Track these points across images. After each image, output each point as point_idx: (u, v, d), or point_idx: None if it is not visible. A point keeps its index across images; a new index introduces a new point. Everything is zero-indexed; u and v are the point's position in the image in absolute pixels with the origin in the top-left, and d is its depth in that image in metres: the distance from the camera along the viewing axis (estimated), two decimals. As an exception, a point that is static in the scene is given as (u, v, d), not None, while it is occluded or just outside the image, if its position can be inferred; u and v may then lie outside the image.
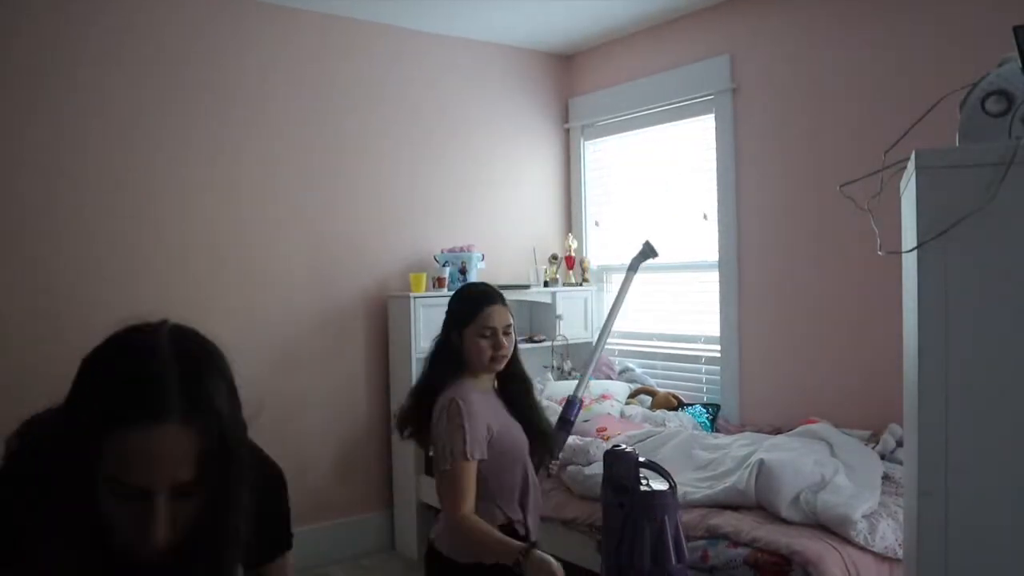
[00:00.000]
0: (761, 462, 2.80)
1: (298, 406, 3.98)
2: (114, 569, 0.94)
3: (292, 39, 3.98)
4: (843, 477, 2.76)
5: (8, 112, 3.28)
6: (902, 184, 1.59)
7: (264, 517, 1.08)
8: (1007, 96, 1.27)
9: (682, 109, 4.30)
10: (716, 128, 4.08)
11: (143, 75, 3.58)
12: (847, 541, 2.51)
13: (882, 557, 2.51)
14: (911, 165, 1.34)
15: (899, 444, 3.11)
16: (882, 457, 3.07)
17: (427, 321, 4.05)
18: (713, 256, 4.12)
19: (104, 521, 0.91)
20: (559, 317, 4.58)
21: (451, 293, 4.10)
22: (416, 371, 4.02)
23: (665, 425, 3.71)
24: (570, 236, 4.82)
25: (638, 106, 4.50)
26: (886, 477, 2.89)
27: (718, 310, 4.10)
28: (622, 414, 3.94)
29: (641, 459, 2.04)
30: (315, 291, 4.08)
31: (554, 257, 4.70)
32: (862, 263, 3.39)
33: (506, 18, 4.27)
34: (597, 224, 4.92)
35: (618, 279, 4.75)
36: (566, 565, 2.99)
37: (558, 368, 4.57)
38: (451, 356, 2.13)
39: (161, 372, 0.89)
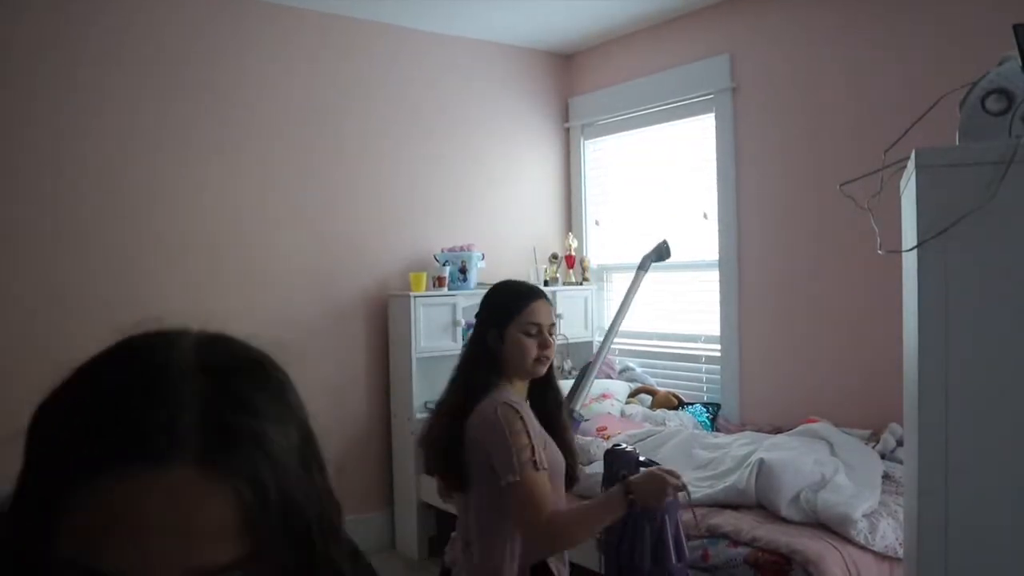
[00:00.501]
0: (761, 461, 2.80)
1: (298, 406, 3.97)
2: None
3: (292, 38, 3.98)
4: (843, 476, 2.76)
5: (8, 112, 3.28)
6: (902, 183, 1.59)
7: None
8: (1007, 95, 1.27)
9: (682, 108, 4.29)
10: (716, 127, 4.08)
11: (143, 75, 3.58)
12: (847, 540, 2.51)
13: (882, 556, 2.51)
14: (911, 164, 1.34)
15: (899, 443, 3.11)
16: (882, 456, 3.07)
17: (427, 320, 4.05)
18: (713, 255, 4.12)
19: None
20: (559, 316, 4.57)
21: (451, 293, 4.16)
22: (416, 370, 4.04)
23: (665, 424, 3.71)
24: (570, 235, 4.81)
25: (638, 105, 4.50)
26: (886, 476, 2.89)
27: (718, 309, 4.09)
28: (622, 413, 3.94)
29: (641, 458, 2.05)
30: (315, 290, 4.08)
31: (554, 256, 4.70)
32: (862, 262, 3.39)
33: (506, 17, 4.27)
34: (597, 223, 4.92)
35: (618, 278, 4.77)
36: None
37: (559, 367, 4.57)
38: (488, 360, 1.89)
39: (173, 390, 0.53)
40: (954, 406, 1.27)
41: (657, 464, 2.06)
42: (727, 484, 2.87)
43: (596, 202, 4.91)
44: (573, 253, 4.74)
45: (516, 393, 1.90)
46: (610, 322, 2.71)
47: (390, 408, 4.22)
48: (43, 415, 0.54)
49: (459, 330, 4.12)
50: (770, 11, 3.83)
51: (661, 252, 2.73)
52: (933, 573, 1.29)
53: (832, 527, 2.55)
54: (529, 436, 1.77)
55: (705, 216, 4.21)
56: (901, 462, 2.94)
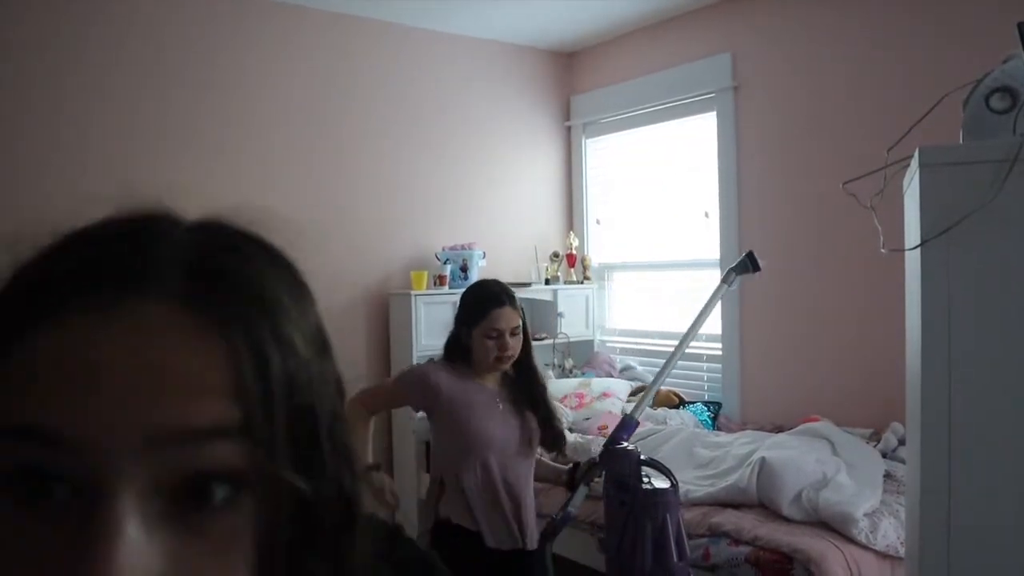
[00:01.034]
0: (763, 460, 2.80)
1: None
2: None
3: (292, 36, 3.98)
4: (845, 475, 2.76)
5: (8, 111, 3.28)
6: (905, 182, 1.59)
7: None
8: (1011, 93, 1.26)
9: (683, 107, 4.29)
10: (717, 126, 4.07)
11: (143, 74, 3.57)
12: (849, 539, 2.50)
13: (884, 555, 2.51)
14: (914, 162, 1.34)
15: (901, 442, 3.11)
16: (884, 455, 3.07)
17: (428, 319, 4.05)
18: (714, 254, 4.11)
19: None
20: (560, 315, 4.58)
21: (452, 291, 4.16)
22: (417, 369, 4.04)
23: (667, 423, 3.71)
24: (571, 234, 4.81)
25: (639, 104, 4.49)
26: (888, 475, 2.89)
27: (719, 308, 4.09)
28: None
29: (643, 457, 2.04)
30: (316, 288, 4.05)
31: (555, 255, 4.70)
32: (864, 261, 3.38)
33: (507, 16, 4.26)
34: (598, 222, 4.91)
35: (619, 277, 4.77)
36: (567, 563, 2.99)
37: (559, 366, 4.57)
38: (461, 351, 2.21)
39: (159, 230, 0.42)
40: (957, 405, 1.27)
41: (658, 464, 2.06)
42: (728, 483, 2.87)
43: (597, 201, 4.91)
44: (574, 252, 4.73)
45: (482, 380, 2.21)
46: (685, 332, 2.59)
47: (391, 406, 4.22)
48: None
49: (460, 329, 4.12)
50: (772, 10, 3.82)
51: (746, 264, 2.56)
52: (935, 572, 1.29)
53: (833, 526, 2.55)
54: (395, 381, 2.28)
55: (706, 215, 4.20)
56: (903, 461, 2.94)
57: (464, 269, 4.23)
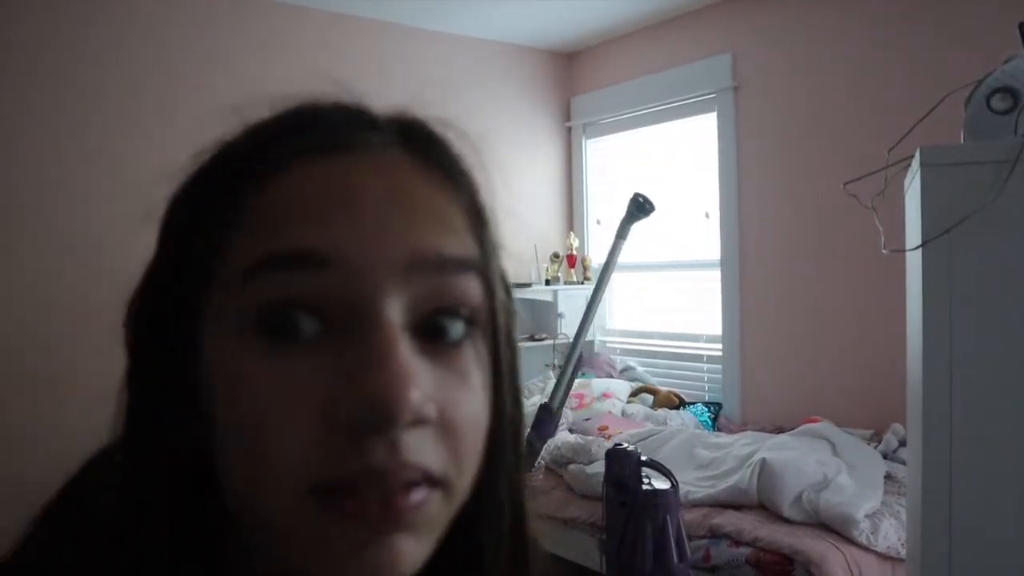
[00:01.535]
0: (763, 461, 2.80)
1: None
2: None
3: (292, 36, 3.97)
4: (845, 476, 2.75)
5: (9, 111, 3.28)
6: (906, 182, 1.59)
7: None
8: (1013, 93, 1.26)
9: (684, 107, 4.29)
10: (718, 127, 4.07)
11: (144, 74, 3.57)
12: (850, 541, 2.50)
13: (885, 557, 2.50)
14: (915, 162, 1.33)
15: (902, 443, 3.10)
16: (884, 456, 3.06)
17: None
18: (715, 255, 4.11)
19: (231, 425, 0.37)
20: (560, 315, 4.57)
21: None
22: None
23: (667, 424, 3.70)
24: (571, 234, 4.81)
25: (640, 104, 4.49)
26: (889, 477, 2.88)
27: (720, 309, 4.09)
28: (623, 413, 3.94)
29: (643, 458, 2.04)
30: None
31: (555, 255, 4.70)
32: (865, 261, 3.38)
33: (507, 16, 4.26)
34: (599, 223, 4.91)
35: (619, 277, 4.76)
36: (568, 564, 2.98)
37: (559, 366, 4.56)
38: None
39: (369, 109, 0.45)
40: (958, 406, 1.26)
41: (658, 465, 2.06)
42: (729, 484, 2.86)
43: (598, 201, 4.90)
44: (574, 252, 4.73)
45: None
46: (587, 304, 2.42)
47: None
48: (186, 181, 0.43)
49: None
50: (772, 10, 3.82)
51: (637, 209, 2.28)
52: (936, 574, 1.29)
53: (834, 527, 2.55)
54: None
55: (707, 215, 4.20)
56: (903, 462, 2.94)
57: (464, 270, 4.22)
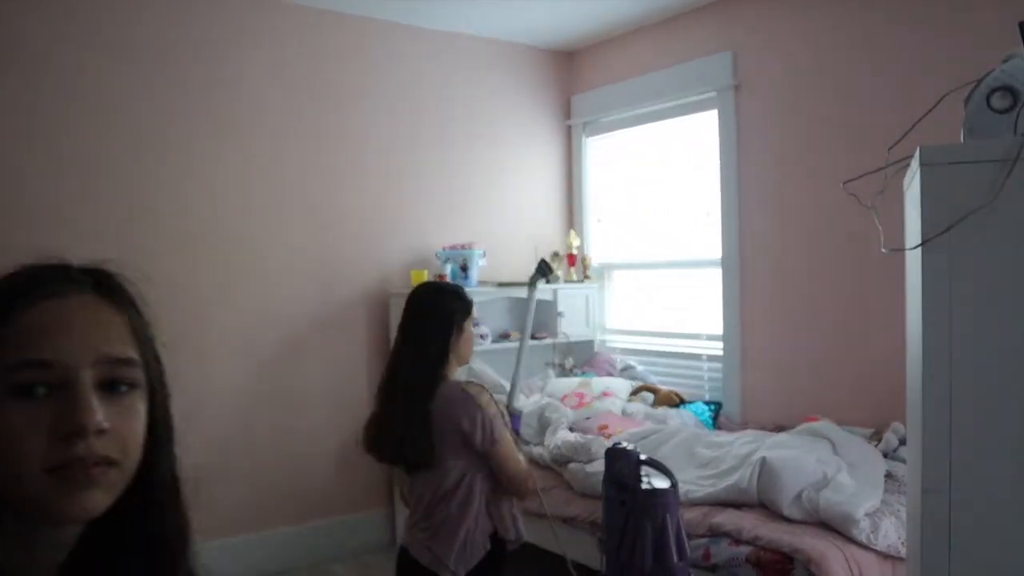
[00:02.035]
0: (763, 460, 2.80)
1: (299, 403, 3.98)
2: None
3: (295, 35, 3.97)
4: (845, 475, 2.75)
5: (9, 111, 3.28)
6: (906, 181, 1.59)
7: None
8: (1012, 92, 1.26)
9: (684, 106, 4.28)
10: (718, 125, 4.07)
11: (149, 73, 3.57)
12: (849, 539, 2.50)
13: (884, 555, 2.50)
14: (915, 162, 1.33)
15: (902, 442, 3.11)
16: (885, 455, 3.06)
17: (428, 318, 4.04)
18: (715, 253, 4.11)
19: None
20: (560, 314, 4.57)
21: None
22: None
23: (667, 423, 3.70)
24: (572, 233, 4.81)
25: (640, 103, 4.49)
26: (889, 475, 2.88)
27: (720, 307, 4.09)
28: (624, 411, 3.94)
29: (643, 457, 2.04)
30: (317, 288, 4.08)
31: (556, 254, 4.70)
32: (865, 260, 3.38)
33: (508, 15, 4.26)
34: (599, 221, 4.91)
35: (620, 276, 4.77)
36: (568, 563, 2.98)
37: (559, 365, 4.56)
38: (448, 352, 2.19)
39: (66, 266, 0.75)
40: (957, 404, 1.27)
41: (658, 464, 2.06)
42: (729, 483, 2.87)
43: (598, 200, 4.90)
44: (575, 251, 4.73)
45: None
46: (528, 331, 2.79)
47: (391, 406, 4.21)
48: None
49: (460, 328, 4.11)
50: (773, 8, 3.82)
51: (542, 271, 2.85)
52: (936, 573, 1.29)
53: (834, 526, 2.55)
54: (496, 404, 2.12)
55: (707, 214, 4.20)
56: (903, 461, 2.94)
57: (464, 268, 4.22)
